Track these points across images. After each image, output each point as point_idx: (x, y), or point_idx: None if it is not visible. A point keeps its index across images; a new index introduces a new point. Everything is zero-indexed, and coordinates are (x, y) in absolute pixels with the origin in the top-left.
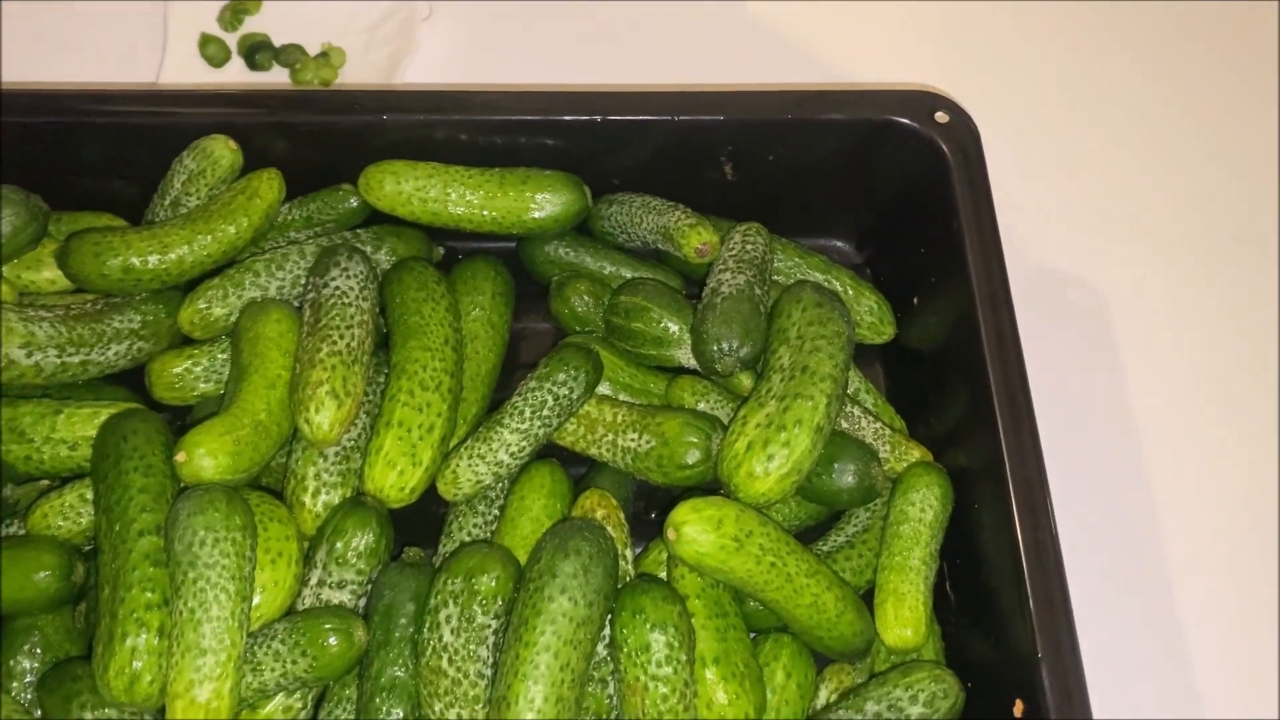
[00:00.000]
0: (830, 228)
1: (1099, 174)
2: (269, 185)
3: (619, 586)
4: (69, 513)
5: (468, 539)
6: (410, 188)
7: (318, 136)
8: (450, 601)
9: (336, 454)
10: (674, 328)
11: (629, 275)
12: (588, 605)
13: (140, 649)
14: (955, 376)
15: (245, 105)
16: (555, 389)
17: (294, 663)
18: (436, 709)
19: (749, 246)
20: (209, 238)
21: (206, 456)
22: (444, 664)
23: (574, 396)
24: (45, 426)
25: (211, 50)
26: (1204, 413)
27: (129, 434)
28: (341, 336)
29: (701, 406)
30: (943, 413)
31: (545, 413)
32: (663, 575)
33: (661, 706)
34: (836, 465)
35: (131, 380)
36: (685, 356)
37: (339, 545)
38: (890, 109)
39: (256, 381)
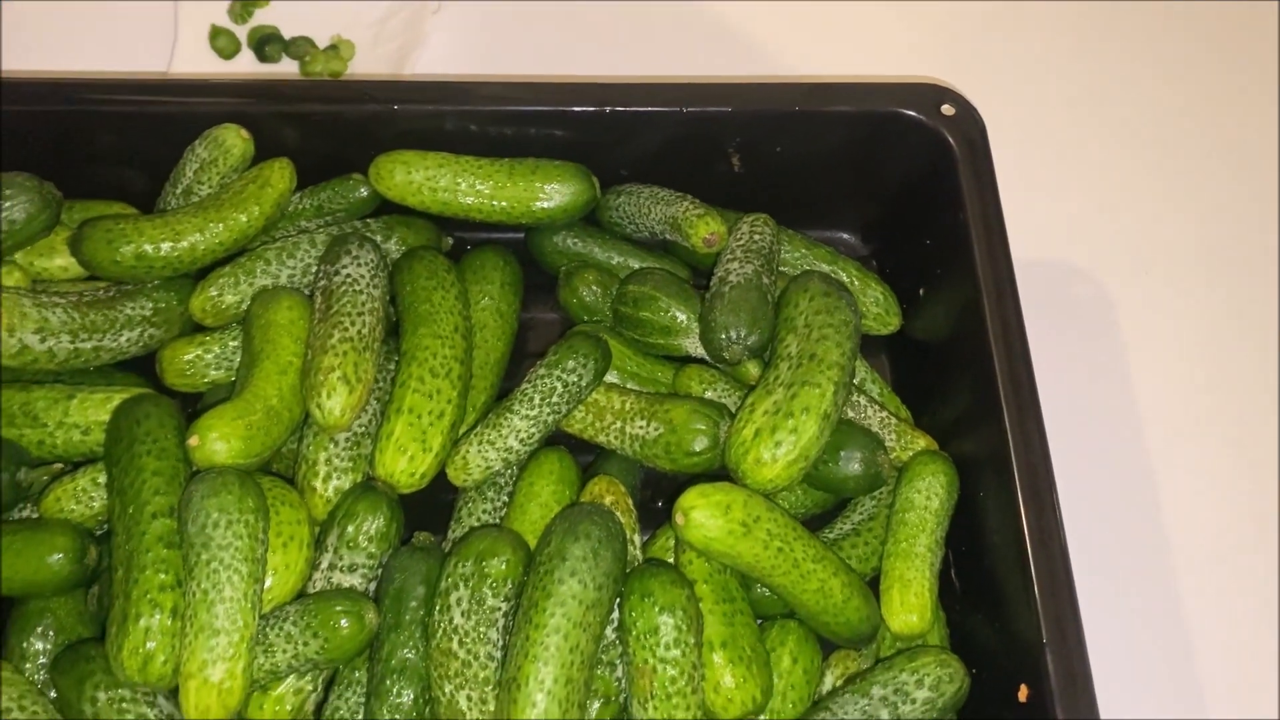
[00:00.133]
0: (836, 220)
1: (1102, 169)
2: (280, 174)
3: (627, 571)
4: (81, 496)
5: (477, 525)
6: (420, 177)
7: (328, 126)
8: (461, 584)
9: (347, 439)
10: (682, 317)
11: (637, 265)
12: (597, 588)
13: (154, 629)
14: (961, 366)
15: (257, 95)
16: (565, 376)
17: (305, 644)
18: (447, 690)
19: (756, 237)
20: (221, 225)
21: (219, 440)
22: (454, 646)
23: (583, 384)
24: (58, 411)
25: (221, 42)
26: (1207, 406)
27: (142, 418)
28: (353, 323)
29: (709, 395)
30: (948, 403)
31: (554, 400)
32: (670, 561)
33: (670, 688)
34: (843, 453)
35: (142, 367)
36: (693, 345)
37: (350, 529)
38: (897, 101)
39: (268, 367)
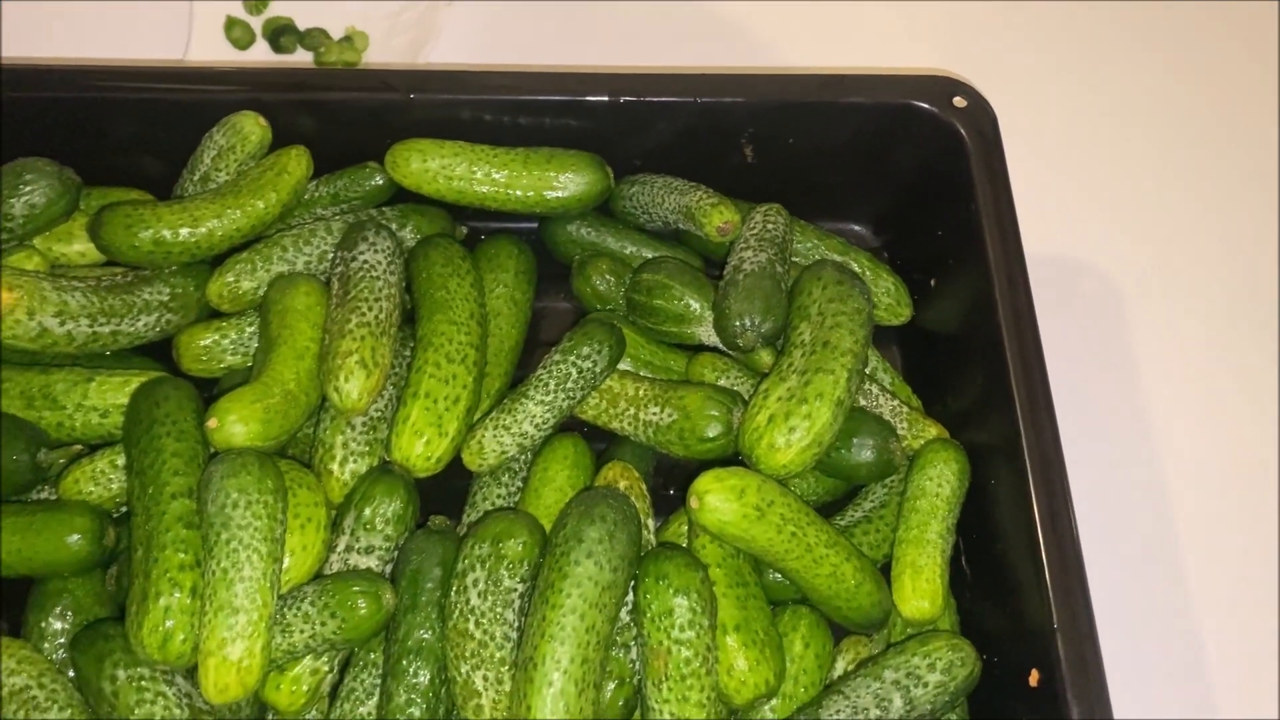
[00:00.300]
0: (848, 211)
1: (1110, 164)
2: (297, 161)
3: (642, 555)
4: (100, 478)
5: (491, 509)
6: (436, 165)
7: (344, 115)
8: (477, 565)
9: (364, 424)
10: (695, 305)
11: (650, 255)
12: (613, 570)
13: (173, 608)
14: (972, 356)
15: (274, 83)
16: (579, 362)
17: (323, 624)
18: (463, 670)
19: (770, 226)
20: (238, 212)
21: (238, 423)
22: (471, 626)
23: (597, 370)
24: (77, 394)
25: (236, 33)
26: (1215, 398)
27: (161, 400)
28: (370, 308)
29: (722, 383)
30: (959, 392)
31: (569, 385)
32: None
33: (684, 670)
34: (855, 440)
35: (159, 352)
36: (706, 334)
37: (367, 511)
38: (910, 94)
39: (285, 352)
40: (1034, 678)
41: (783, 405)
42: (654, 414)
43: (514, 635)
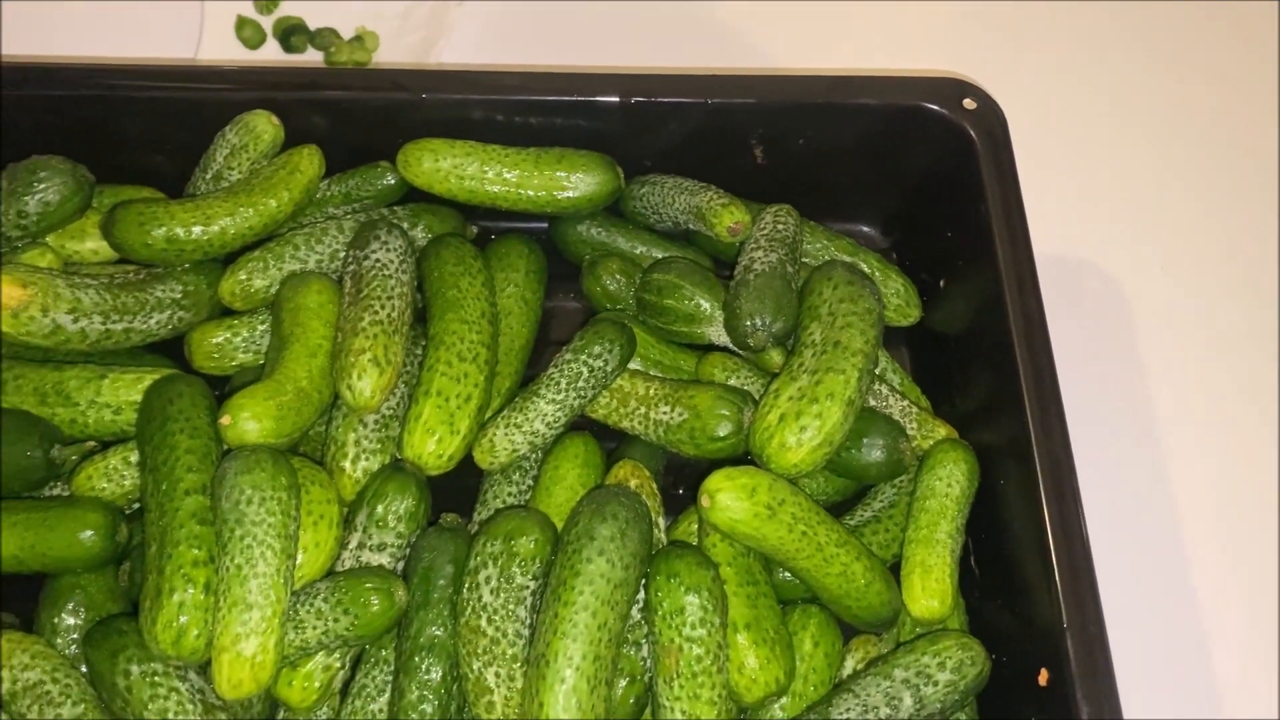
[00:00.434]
0: (858, 213)
1: (1118, 166)
2: (309, 160)
3: (653, 553)
4: (113, 474)
5: (503, 507)
6: (448, 165)
7: (356, 114)
8: (490, 563)
9: (376, 422)
10: (705, 305)
11: (660, 255)
12: (624, 568)
13: (187, 604)
14: (982, 357)
15: (286, 82)
16: (590, 361)
17: (336, 621)
18: (475, 667)
19: (780, 226)
20: (250, 210)
21: (251, 420)
22: (483, 623)
23: (608, 369)
24: (90, 390)
25: (247, 33)
26: (1223, 400)
27: (175, 397)
28: (383, 306)
29: (732, 382)
30: (968, 393)
31: (580, 384)
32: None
33: (695, 667)
34: (865, 440)
35: (171, 350)
36: (716, 334)
37: (379, 509)
38: (919, 95)
39: (298, 350)
40: (1043, 677)
41: (794, 404)
42: (665, 413)
43: (526, 632)
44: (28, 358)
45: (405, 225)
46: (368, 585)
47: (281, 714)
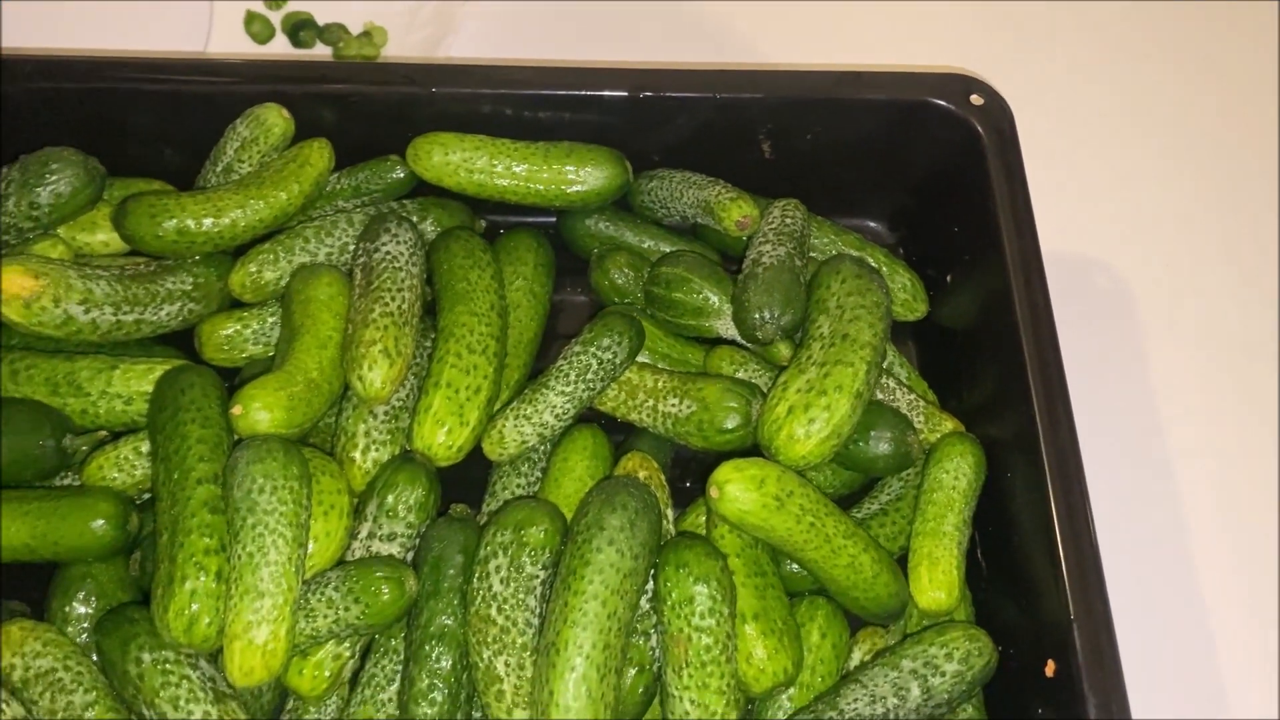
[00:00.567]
0: (865, 208)
1: (1123, 162)
2: (319, 154)
3: (662, 544)
4: (124, 464)
5: (512, 498)
6: (458, 158)
7: (366, 108)
8: (500, 552)
9: (386, 413)
10: (714, 298)
11: (667, 250)
12: (634, 558)
13: (199, 592)
14: (989, 351)
15: (297, 76)
16: (600, 353)
17: (346, 609)
18: (485, 656)
19: (788, 220)
20: (261, 203)
21: (262, 410)
22: (493, 612)
23: (617, 361)
24: (101, 381)
25: (256, 28)
26: (1228, 397)
27: (186, 387)
28: (393, 298)
29: (740, 375)
30: (975, 387)
31: (589, 376)
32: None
33: (704, 656)
34: (873, 433)
35: (180, 342)
36: (724, 327)
37: (390, 499)
38: (926, 91)
39: (308, 341)
40: (1050, 668)
41: (802, 397)
42: (673, 405)
43: (535, 621)
44: (39, 348)
45: (414, 219)
46: (378, 574)
47: (291, 703)
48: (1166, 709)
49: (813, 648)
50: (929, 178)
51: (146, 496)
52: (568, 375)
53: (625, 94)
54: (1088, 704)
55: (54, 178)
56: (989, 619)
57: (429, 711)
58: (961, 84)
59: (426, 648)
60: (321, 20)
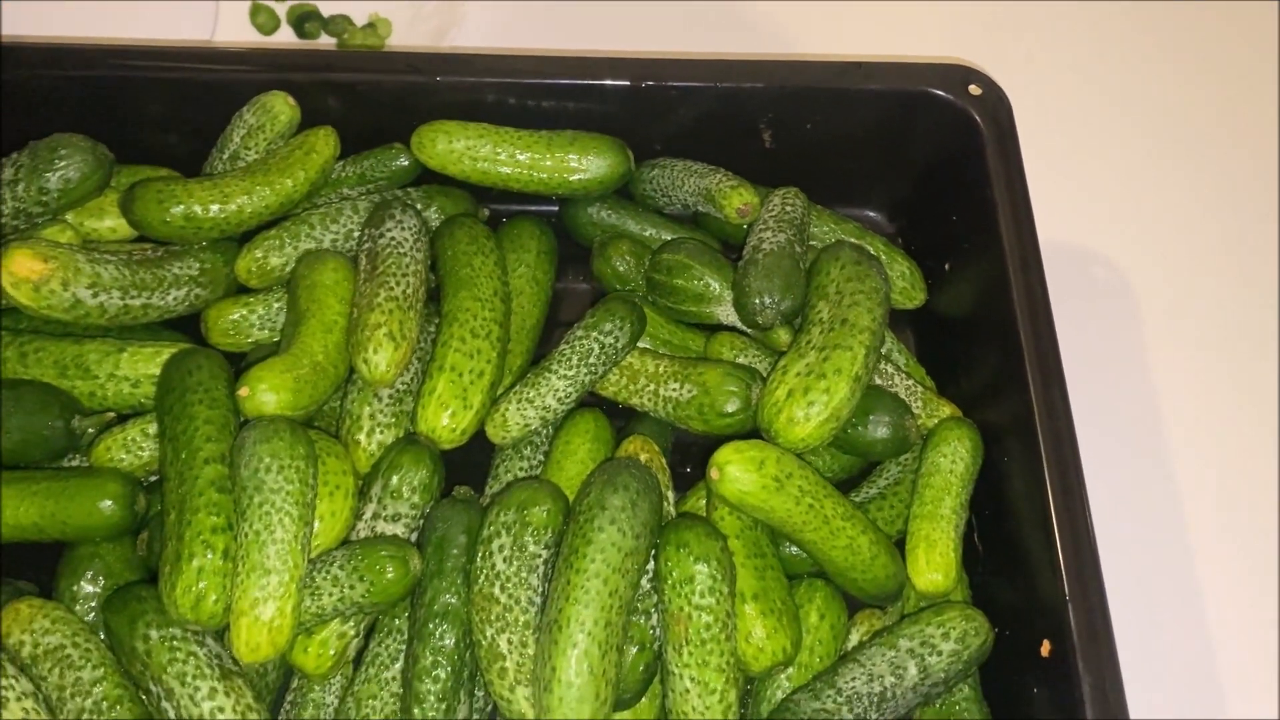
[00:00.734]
0: (864, 198)
1: (1119, 154)
2: (325, 141)
3: (662, 525)
4: (131, 446)
5: (515, 480)
6: (461, 146)
7: (372, 97)
8: (503, 532)
9: (390, 396)
10: (714, 285)
11: (669, 238)
12: (635, 537)
13: (206, 569)
14: (986, 337)
15: (303, 65)
16: (602, 338)
17: (351, 588)
18: (488, 634)
19: (788, 208)
20: (267, 190)
21: (268, 392)
22: (496, 591)
23: (619, 346)
24: (109, 364)
25: (261, 19)
26: (1224, 384)
27: (193, 369)
28: (398, 283)
29: (740, 361)
30: (972, 374)
31: (591, 360)
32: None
33: (704, 634)
34: (871, 417)
35: (187, 328)
36: (725, 314)
37: (394, 480)
38: (926, 81)
39: (314, 325)
40: (1045, 648)
41: (801, 380)
42: (674, 390)
43: (538, 600)
44: (48, 331)
45: (419, 206)
46: (383, 553)
47: (296, 681)
48: (1163, 694)
49: (811, 629)
50: (928, 167)
51: (154, 478)
52: (570, 359)
53: (627, 83)
54: (1082, 683)
55: (63, 163)
56: (985, 601)
57: (432, 688)
58: (960, 75)
59: (430, 626)
60: (326, 12)
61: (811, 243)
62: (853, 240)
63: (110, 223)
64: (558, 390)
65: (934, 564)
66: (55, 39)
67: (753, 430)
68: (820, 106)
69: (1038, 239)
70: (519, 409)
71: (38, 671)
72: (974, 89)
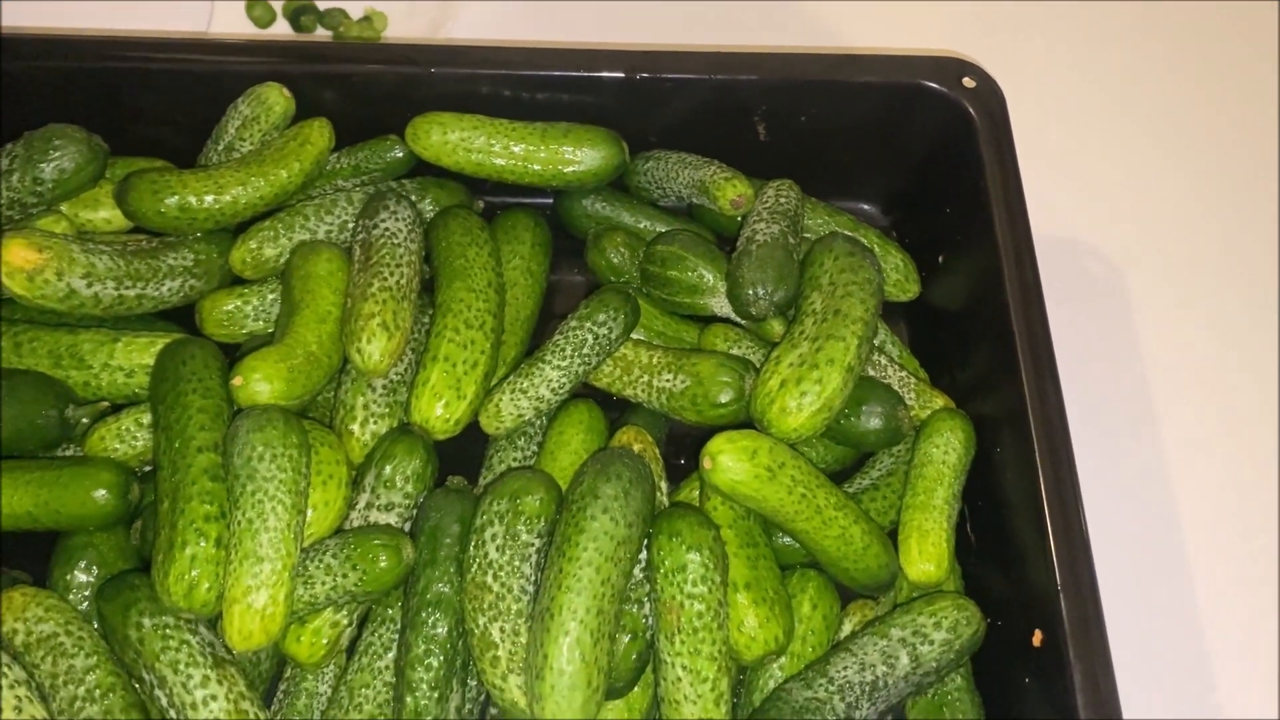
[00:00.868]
0: (858, 190)
1: (1113, 148)
2: (320, 133)
3: (655, 514)
4: (125, 435)
5: (508, 469)
6: (456, 138)
7: (367, 88)
8: (496, 520)
9: (384, 386)
10: (708, 276)
11: (663, 230)
12: (628, 525)
13: (199, 557)
14: (979, 329)
15: (298, 56)
16: (596, 328)
17: (344, 576)
18: (480, 623)
19: (782, 199)
20: (262, 181)
21: (262, 381)
22: (489, 579)
23: (613, 336)
24: (104, 354)
25: (258, 12)
26: (1216, 377)
27: (187, 358)
28: (392, 274)
29: (734, 352)
30: (965, 366)
31: (585, 351)
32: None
33: (696, 623)
34: (864, 408)
35: (181, 319)
36: (719, 305)
37: (388, 469)
38: (920, 74)
39: (308, 316)
40: (1037, 638)
41: (794, 370)
42: (667, 380)
43: (530, 589)
44: (42, 321)
45: (413, 197)
46: (376, 542)
47: (289, 670)
48: (1155, 682)
49: (804, 619)
50: (922, 160)
51: (148, 468)
52: (564, 350)
53: (622, 75)
54: (1074, 672)
55: (57, 154)
56: (978, 591)
57: (425, 677)
58: (954, 67)
59: (423, 614)
60: (322, 6)
61: (805, 235)
62: (846, 232)
63: (105, 214)
64: (551, 381)
65: (926, 554)
66: (51, 30)
67: (746, 421)
68: (814, 99)
69: (1031, 231)
70: (513, 399)
71: (30, 659)
72: (968, 82)
